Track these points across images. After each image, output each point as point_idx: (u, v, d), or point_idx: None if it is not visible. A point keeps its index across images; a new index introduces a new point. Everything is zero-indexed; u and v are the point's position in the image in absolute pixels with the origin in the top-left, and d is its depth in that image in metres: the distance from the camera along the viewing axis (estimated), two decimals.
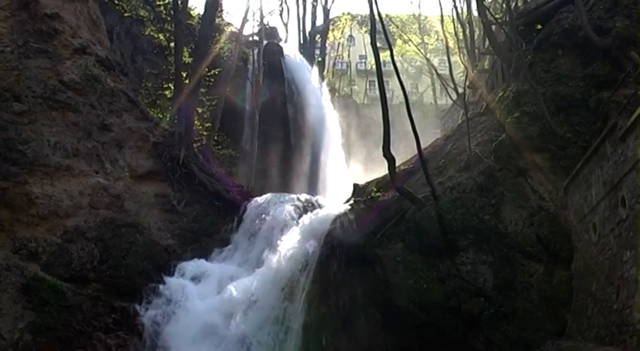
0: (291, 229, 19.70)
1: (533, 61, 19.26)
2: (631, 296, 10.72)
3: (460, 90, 26.68)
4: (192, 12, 33.67)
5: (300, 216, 20.50)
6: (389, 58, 22.22)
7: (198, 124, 28.25)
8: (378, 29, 19.99)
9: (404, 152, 24.67)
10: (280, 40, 44.24)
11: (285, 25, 47.33)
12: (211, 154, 27.28)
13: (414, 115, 18.36)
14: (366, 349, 16.44)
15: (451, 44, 39.54)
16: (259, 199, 22.29)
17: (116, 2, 29.68)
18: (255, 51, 36.90)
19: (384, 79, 19.37)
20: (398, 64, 22.07)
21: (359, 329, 16.62)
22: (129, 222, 19.13)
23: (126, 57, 30.25)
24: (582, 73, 18.05)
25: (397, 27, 55.42)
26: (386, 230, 17.51)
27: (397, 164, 19.12)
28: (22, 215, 17.31)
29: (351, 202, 20.03)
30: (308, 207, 21.25)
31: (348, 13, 61.50)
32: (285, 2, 47.72)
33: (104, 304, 17.16)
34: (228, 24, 37.25)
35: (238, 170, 32.56)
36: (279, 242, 19.42)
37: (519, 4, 25.87)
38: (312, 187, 32.23)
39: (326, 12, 49.23)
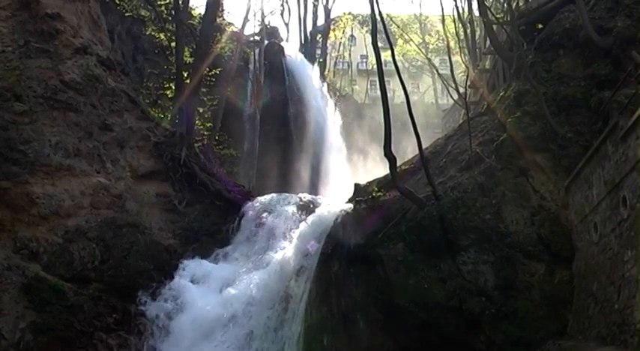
0: (292, 229, 19.70)
1: (534, 61, 19.25)
2: (632, 296, 10.72)
3: (461, 90, 26.68)
4: (193, 12, 33.64)
5: (301, 216, 20.50)
6: (390, 58, 22.21)
7: (199, 123, 28.23)
8: (379, 29, 19.98)
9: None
10: (281, 39, 44.19)
11: (286, 24, 47.43)
12: (212, 154, 27.28)
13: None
14: (367, 349, 16.45)
15: (452, 44, 39.58)
16: (260, 199, 22.28)
17: (117, 2, 29.65)
18: (256, 51, 36.89)
19: (385, 78, 19.37)
20: (399, 64, 22.05)
21: (360, 329, 16.62)
22: (130, 222, 19.12)
23: (127, 57, 30.22)
24: (583, 73, 18.04)
25: (398, 27, 55.37)
26: (387, 230, 17.50)
27: (399, 163, 19.14)
28: (24, 215, 17.29)
29: (353, 202, 20.02)
30: (309, 207, 21.24)
31: (349, 13, 61.50)
32: (287, 2, 47.74)
33: (105, 303, 17.16)
34: (230, 24, 37.23)
35: (239, 170, 32.56)
36: (280, 242, 19.43)
37: (520, 4, 25.84)
38: (313, 187, 32.21)
39: (327, 12, 49.25)
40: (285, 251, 18.78)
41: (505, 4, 27.33)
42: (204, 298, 17.94)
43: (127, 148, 20.98)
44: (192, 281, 18.56)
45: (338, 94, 50.79)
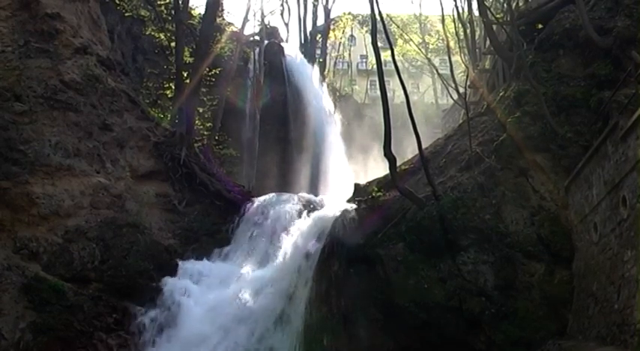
0: (291, 229, 19.69)
1: (534, 61, 19.27)
2: (632, 296, 10.73)
3: (461, 90, 26.68)
4: (193, 12, 33.64)
5: (301, 216, 20.49)
6: (390, 58, 22.20)
7: (199, 123, 28.21)
8: (379, 29, 19.98)
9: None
10: (281, 39, 44.19)
11: (286, 24, 47.31)
12: (212, 154, 27.24)
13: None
14: (367, 349, 16.45)
15: (452, 44, 39.61)
16: (260, 199, 22.26)
17: (117, 2, 29.63)
18: (256, 51, 36.87)
19: (385, 78, 19.38)
20: (399, 64, 22.05)
21: (360, 329, 16.63)
22: (130, 222, 19.10)
23: (127, 57, 30.21)
24: (583, 73, 18.06)
25: (398, 27, 55.42)
26: (387, 230, 17.52)
27: (399, 163, 19.14)
28: (23, 215, 17.27)
29: (353, 202, 20.03)
30: (309, 207, 21.24)
31: (349, 13, 61.53)
32: (286, 2, 47.57)
33: (105, 303, 17.14)
34: (229, 24, 37.20)
35: (239, 170, 32.53)
36: (280, 242, 19.42)
37: (520, 4, 25.86)
38: (313, 187, 32.20)
39: (327, 12, 49.19)
40: (285, 251, 18.77)
41: (505, 4, 27.34)
42: (204, 298, 17.90)
43: (126, 148, 20.96)
44: (192, 281, 18.51)
45: (338, 94, 50.79)
